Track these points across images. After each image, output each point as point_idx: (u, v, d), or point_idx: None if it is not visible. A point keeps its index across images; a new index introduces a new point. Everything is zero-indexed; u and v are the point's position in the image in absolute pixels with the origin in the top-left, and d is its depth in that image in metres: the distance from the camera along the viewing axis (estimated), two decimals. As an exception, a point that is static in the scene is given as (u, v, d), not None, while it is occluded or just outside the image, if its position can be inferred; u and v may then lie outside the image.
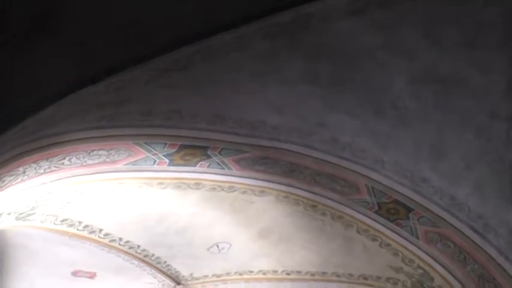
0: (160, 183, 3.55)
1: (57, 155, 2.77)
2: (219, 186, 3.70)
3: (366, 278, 4.80)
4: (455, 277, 3.95)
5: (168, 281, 5.53)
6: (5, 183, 2.65)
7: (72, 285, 5.60)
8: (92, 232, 4.19)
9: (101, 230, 4.21)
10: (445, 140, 3.01)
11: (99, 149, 2.91)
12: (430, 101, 2.71)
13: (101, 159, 3.03)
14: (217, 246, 4.73)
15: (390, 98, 2.78)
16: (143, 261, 4.93)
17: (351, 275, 4.85)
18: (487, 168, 3.14)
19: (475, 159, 3.08)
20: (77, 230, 4.05)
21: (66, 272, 5.25)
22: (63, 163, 2.90)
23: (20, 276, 5.24)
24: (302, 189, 3.75)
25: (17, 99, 2.23)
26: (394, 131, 3.05)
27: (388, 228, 3.93)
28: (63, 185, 3.17)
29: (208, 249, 4.80)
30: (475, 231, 3.52)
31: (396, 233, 3.93)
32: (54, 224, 3.82)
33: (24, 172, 2.72)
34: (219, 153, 3.25)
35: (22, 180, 2.82)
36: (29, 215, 3.48)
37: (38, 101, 2.23)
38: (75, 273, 5.30)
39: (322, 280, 5.09)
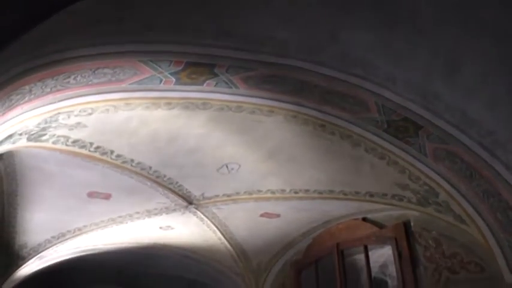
0: (168, 104, 3.52)
1: (62, 73, 2.72)
2: (227, 106, 3.66)
3: (372, 196, 4.92)
4: (460, 192, 4.02)
5: (180, 201, 5.74)
6: (12, 102, 2.64)
7: (88, 206, 5.85)
8: (103, 153, 4.26)
9: (112, 152, 4.28)
10: (461, 52, 2.87)
11: (104, 67, 2.84)
12: (448, 8, 2.55)
13: (107, 78, 2.98)
14: (227, 166, 4.81)
15: (406, 6, 2.62)
16: (155, 182, 5.07)
17: (357, 192, 4.98)
18: (502, 82, 3.04)
19: (491, 73, 2.97)
20: (89, 151, 4.12)
21: (82, 194, 5.45)
22: (68, 82, 2.86)
23: (38, 198, 5.46)
24: (311, 108, 3.69)
25: (14, 14, 2.15)
26: (409, 44, 2.91)
27: (396, 146, 3.93)
28: (71, 105, 3.16)
29: (218, 170, 4.89)
30: (484, 147, 3.52)
31: (404, 150, 3.94)
32: (66, 145, 3.88)
33: (30, 91, 2.70)
34: (226, 71, 3.17)
35: (29, 100, 2.80)
36: (40, 135, 3.52)
37: (35, 14, 2.15)
38: (90, 195, 5.50)
39: (330, 198, 5.24)
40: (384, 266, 7.69)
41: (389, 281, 8.04)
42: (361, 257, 6.61)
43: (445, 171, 3.95)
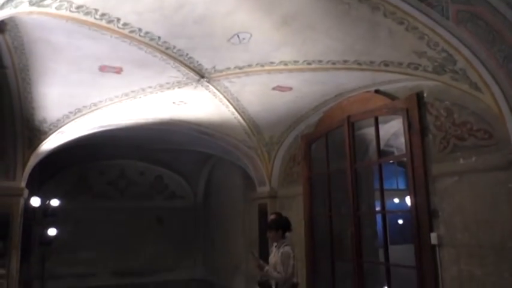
0: (173, -39, 3.26)
1: None
2: (237, -36, 3.38)
3: (387, 65, 4.79)
4: (479, 58, 3.88)
5: (192, 74, 5.70)
6: (6, -44, 2.46)
7: (101, 80, 5.88)
8: (109, 22, 4.09)
9: (118, 20, 4.10)
10: None
11: None
12: None
13: None
14: (238, 36, 4.62)
15: None
16: (165, 53, 4.96)
17: (372, 62, 4.84)
18: None
19: None
20: (95, 18, 3.95)
21: (94, 67, 5.42)
22: None
23: (50, 72, 5.47)
24: (327, -35, 3.40)
25: None
26: None
27: (417, 9, 3.68)
28: (69, -37, 2.95)
29: (228, 40, 4.72)
30: (511, 7, 3.30)
31: (425, 14, 3.70)
32: (70, 11, 3.71)
33: None
34: None
35: (24, -45, 2.61)
36: (42, 0, 3.36)
37: None
38: (102, 69, 5.47)
39: (343, 68, 5.12)
40: (391, 139, 7.92)
41: (395, 152, 8.37)
42: (369, 130, 6.77)
43: (466, 36, 3.76)
